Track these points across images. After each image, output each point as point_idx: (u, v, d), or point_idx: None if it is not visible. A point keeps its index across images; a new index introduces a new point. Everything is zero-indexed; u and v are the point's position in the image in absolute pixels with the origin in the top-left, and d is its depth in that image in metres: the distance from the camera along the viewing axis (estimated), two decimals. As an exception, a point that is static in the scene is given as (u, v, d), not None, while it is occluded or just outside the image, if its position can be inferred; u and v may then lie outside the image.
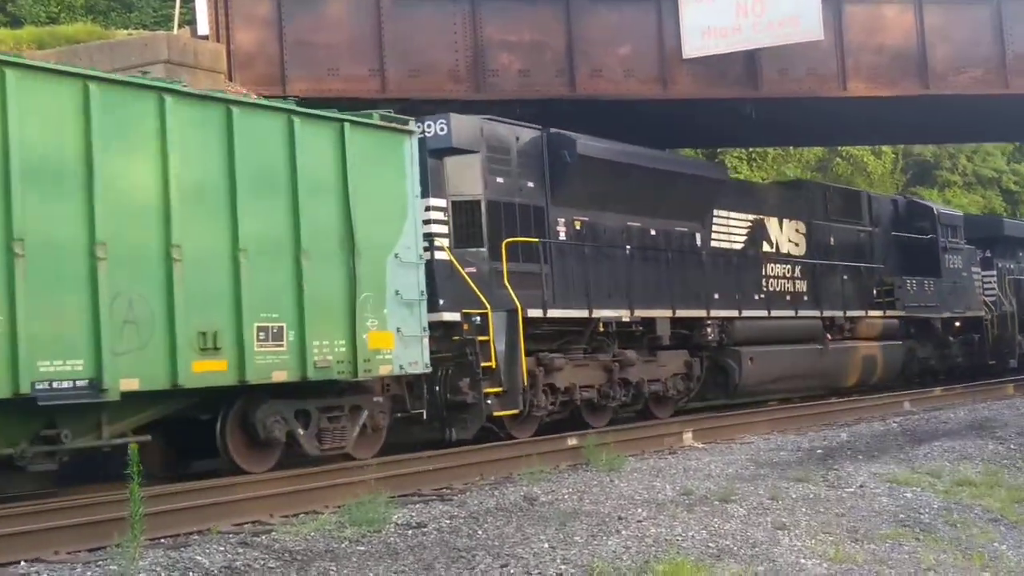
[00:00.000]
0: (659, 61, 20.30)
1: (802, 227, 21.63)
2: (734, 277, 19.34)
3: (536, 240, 15.35)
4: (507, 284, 14.48)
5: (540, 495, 10.30)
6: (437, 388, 13.55)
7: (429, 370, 12.91)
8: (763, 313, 19.73)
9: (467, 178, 14.58)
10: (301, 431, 11.59)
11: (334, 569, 7.49)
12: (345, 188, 11.89)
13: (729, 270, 19.27)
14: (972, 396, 22.44)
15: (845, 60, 20.87)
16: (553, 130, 16.00)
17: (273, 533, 8.54)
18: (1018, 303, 29.14)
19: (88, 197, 9.68)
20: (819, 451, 14.07)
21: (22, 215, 9.19)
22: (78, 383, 9.44)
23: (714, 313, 18.43)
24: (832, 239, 22.46)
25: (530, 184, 15.51)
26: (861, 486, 11.43)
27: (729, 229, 19.63)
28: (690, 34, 19.97)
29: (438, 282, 13.60)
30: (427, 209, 13.59)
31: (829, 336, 21.40)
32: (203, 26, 18.25)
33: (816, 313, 21.20)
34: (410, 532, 8.67)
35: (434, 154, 14.00)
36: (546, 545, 8.24)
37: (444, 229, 14.17)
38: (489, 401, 13.91)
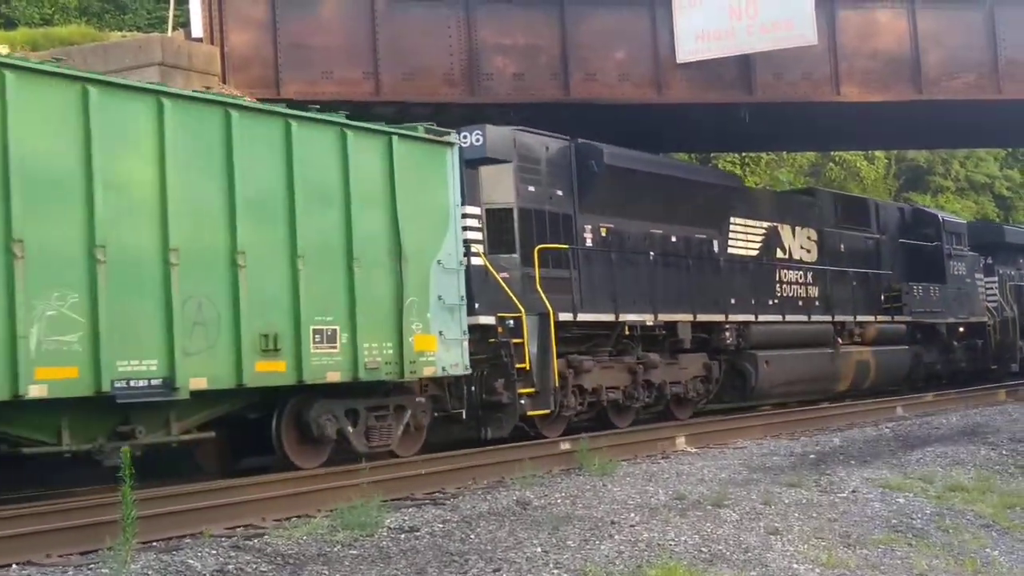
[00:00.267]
0: (653, 65, 20.33)
1: (814, 234, 22.23)
2: (750, 283, 19.88)
3: (566, 246, 15.88)
4: (539, 289, 15.00)
5: (533, 499, 10.30)
6: (473, 388, 13.97)
7: (469, 372, 13.41)
8: (778, 318, 20.30)
9: (500, 187, 15.18)
10: (351, 429, 12.10)
11: (326, 573, 7.48)
12: (393, 198, 12.42)
13: (745, 276, 19.83)
14: (964, 402, 22.49)
15: (839, 65, 20.92)
16: (581, 140, 16.56)
17: (266, 537, 8.52)
18: (1019, 309, 29.70)
19: (162, 206, 10.19)
20: (812, 456, 14.08)
21: (104, 223, 9.68)
22: (152, 382, 9.96)
23: (732, 318, 18.97)
24: (842, 246, 23.05)
25: (559, 192, 16.08)
26: (854, 491, 11.44)
27: (745, 236, 20.19)
28: (684, 38, 20.01)
29: (474, 287, 13.98)
30: (463, 216, 13.94)
31: (840, 340, 21.94)
32: (197, 28, 18.22)
33: (828, 318, 21.75)
34: (403, 536, 8.66)
35: (469, 164, 14.41)
36: (539, 549, 8.23)
37: (479, 236, 14.68)
38: (523, 401, 14.39)
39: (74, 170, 9.59)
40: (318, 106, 12.25)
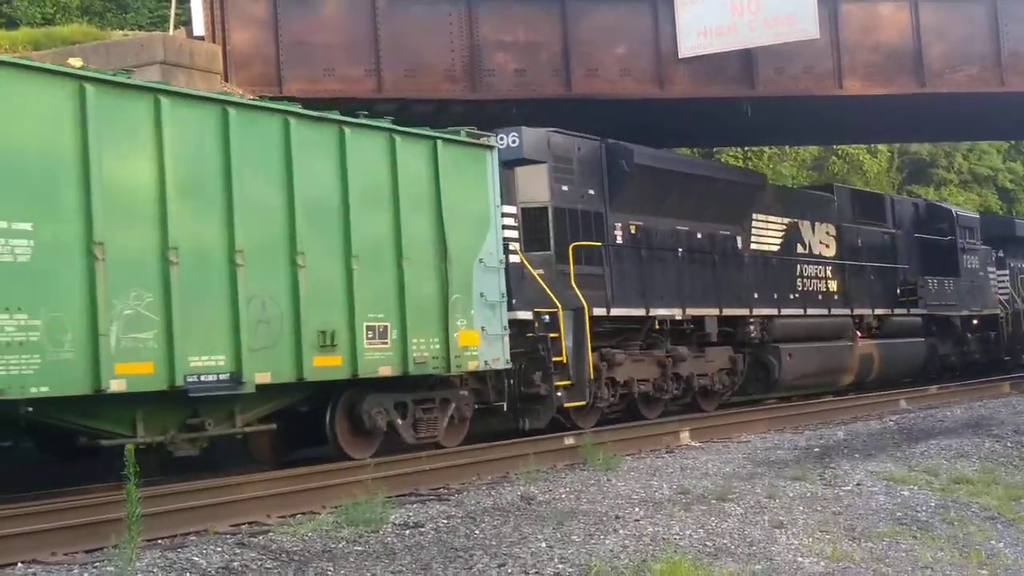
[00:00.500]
0: (655, 60, 20.31)
1: (832, 230, 22.77)
2: (772, 278, 20.46)
3: (599, 244, 16.35)
4: (574, 285, 15.48)
5: (537, 495, 10.30)
6: (511, 381, 14.38)
7: (510, 366, 13.87)
8: (799, 312, 20.85)
9: (535, 186, 15.69)
10: (400, 421, 12.60)
11: (331, 569, 7.49)
12: (438, 200, 12.92)
13: (768, 271, 20.38)
14: (968, 394, 22.51)
15: (841, 58, 20.89)
16: (610, 140, 17.00)
17: (270, 533, 8.53)
18: None
19: (228, 210, 10.70)
20: (816, 450, 14.07)
21: (176, 227, 10.19)
22: (221, 377, 10.49)
23: (756, 312, 19.51)
24: (860, 241, 23.60)
25: (590, 191, 16.53)
26: (858, 484, 11.44)
27: (767, 232, 20.69)
28: (686, 33, 20.00)
29: (511, 283, 14.34)
30: (501, 215, 14.24)
31: (859, 333, 22.50)
32: (199, 27, 18.22)
33: (847, 311, 22.37)
34: (407, 532, 8.67)
35: (505, 164, 14.77)
36: (543, 544, 8.24)
37: (515, 234, 15.10)
38: (559, 393, 14.89)
39: (148, 178, 10.11)
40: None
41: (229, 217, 10.69)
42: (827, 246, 22.48)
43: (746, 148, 35.65)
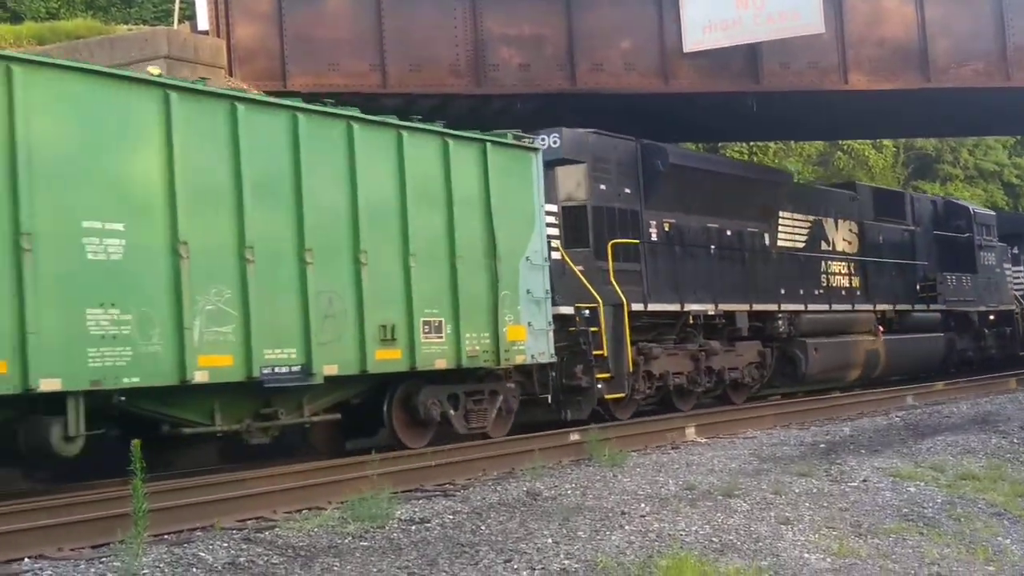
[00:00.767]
0: (660, 55, 20.28)
1: (855, 227, 23.42)
2: (798, 274, 21.04)
3: (636, 241, 16.89)
4: (613, 281, 15.99)
5: (543, 490, 10.30)
6: (553, 374, 14.76)
7: (555, 360, 14.41)
8: (825, 307, 21.50)
9: (575, 185, 16.28)
10: (452, 412, 13.14)
11: (337, 565, 7.48)
12: (488, 200, 13.49)
13: (794, 267, 20.97)
14: (975, 390, 22.47)
15: (846, 53, 20.83)
16: (645, 141, 17.57)
17: (277, 529, 8.53)
18: None
19: (298, 210, 11.28)
20: (822, 445, 14.05)
21: (252, 226, 10.76)
22: (293, 368, 11.00)
23: (783, 307, 20.12)
24: (881, 238, 24.26)
25: (627, 190, 17.04)
26: (864, 480, 11.42)
27: (793, 229, 21.27)
28: (691, 28, 19.97)
29: (553, 279, 14.70)
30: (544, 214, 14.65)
31: (881, 328, 23.03)
32: (203, 21, 18.23)
33: (870, 307, 23.04)
34: (413, 527, 8.67)
35: (546, 164, 15.08)
36: (549, 540, 8.23)
37: (556, 232, 15.55)
38: (599, 386, 15.42)
39: (226, 180, 10.68)
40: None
41: (299, 217, 11.25)
42: (850, 243, 23.06)
43: (751, 143, 35.60)
